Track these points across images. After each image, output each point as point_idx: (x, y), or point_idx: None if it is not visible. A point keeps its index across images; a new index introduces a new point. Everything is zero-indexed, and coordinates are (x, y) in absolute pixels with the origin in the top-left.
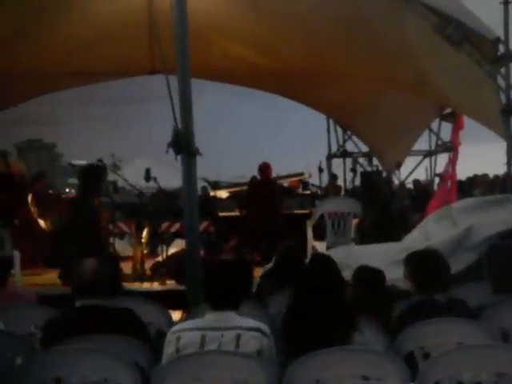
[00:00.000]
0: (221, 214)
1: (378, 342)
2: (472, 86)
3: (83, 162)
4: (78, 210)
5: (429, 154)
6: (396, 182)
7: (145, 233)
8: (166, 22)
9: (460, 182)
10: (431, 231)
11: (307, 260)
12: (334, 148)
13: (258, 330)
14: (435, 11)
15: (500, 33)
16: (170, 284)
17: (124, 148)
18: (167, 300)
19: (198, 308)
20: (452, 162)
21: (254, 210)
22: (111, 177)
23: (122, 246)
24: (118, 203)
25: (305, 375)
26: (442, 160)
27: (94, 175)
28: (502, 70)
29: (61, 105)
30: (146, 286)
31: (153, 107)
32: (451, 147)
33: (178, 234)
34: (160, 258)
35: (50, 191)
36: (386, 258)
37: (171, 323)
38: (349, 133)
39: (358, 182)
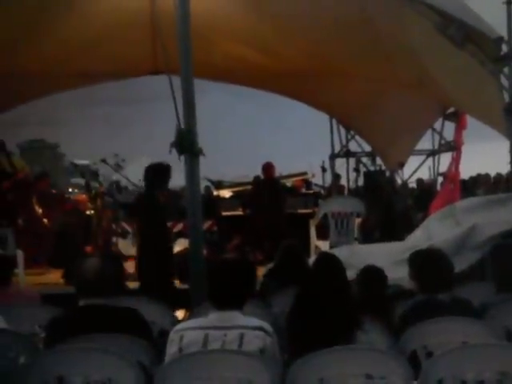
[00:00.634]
0: (224, 213)
1: (382, 342)
2: (475, 85)
3: (86, 162)
4: (147, 206)
5: (432, 153)
6: (399, 181)
7: None
8: (168, 22)
9: (463, 182)
10: (434, 230)
11: (311, 259)
12: (337, 148)
13: (261, 329)
14: (437, 11)
15: (503, 32)
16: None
17: (127, 148)
18: (170, 299)
19: (201, 307)
20: (455, 161)
21: (257, 209)
22: (114, 176)
23: (124, 246)
24: (121, 203)
25: (308, 374)
26: (446, 159)
27: (160, 173)
28: (505, 69)
29: (63, 105)
30: None
31: (155, 107)
32: (454, 146)
33: (181, 234)
34: None
35: (53, 191)
36: (390, 257)
37: (174, 322)
38: (352, 132)
39: (361, 181)
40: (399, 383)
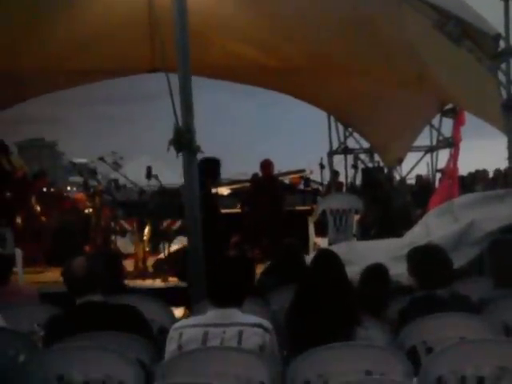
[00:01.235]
0: (222, 210)
1: (382, 338)
2: (473, 81)
3: (84, 160)
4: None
5: (430, 149)
6: (397, 177)
7: (146, 230)
8: (166, 19)
9: (462, 178)
10: (433, 227)
11: (310, 256)
12: (336, 144)
13: (260, 326)
14: (435, 8)
15: (500, 29)
16: (172, 281)
17: (125, 146)
18: (169, 297)
19: (201, 305)
20: (453, 157)
21: (255, 206)
22: (113, 175)
23: (123, 244)
24: (119, 201)
25: (307, 370)
26: (444, 156)
27: (212, 166)
28: (503, 65)
29: (61, 103)
30: (148, 283)
31: (153, 105)
32: (452, 143)
33: (180, 232)
34: (162, 256)
35: (52, 189)
36: (388, 253)
37: (174, 320)
38: (350, 129)
39: (359, 178)
40: (399, 380)
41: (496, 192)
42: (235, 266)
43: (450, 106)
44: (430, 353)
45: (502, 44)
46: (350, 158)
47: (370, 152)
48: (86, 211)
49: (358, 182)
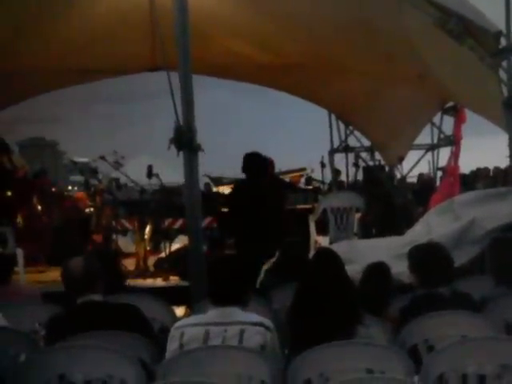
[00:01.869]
0: (224, 209)
1: (383, 336)
2: (474, 79)
3: (85, 160)
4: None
5: (431, 147)
6: (398, 176)
7: (148, 229)
8: (166, 18)
9: (463, 176)
10: (434, 225)
11: (311, 255)
12: (337, 143)
13: (261, 324)
14: (436, 5)
15: (502, 26)
16: (174, 280)
17: (126, 145)
18: (171, 296)
19: (202, 304)
20: (454, 155)
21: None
22: (114, 174)
23: (125, 243)
24: (120, 200)
25: (308, 369)
26: (445, 154)
27: (256, 162)
28: (504, 63)
29: (62, 103)
30: (149, 282)
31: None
32: (453, 141)
33: (181, 231)
34: (163, 255)
35: (53, 189)
36: (389, 252)
37: (175, 319)
38: (351, 128)
39: (360, 176)
40: (400, 378)
41: (497, 190)
42: (235, 265)
43: (450, 103)
44: (431, 351)
45: (503, 41)
46: (351, 156)
47: (371, 150)
48: (87, 210)
49: (359, 180)
